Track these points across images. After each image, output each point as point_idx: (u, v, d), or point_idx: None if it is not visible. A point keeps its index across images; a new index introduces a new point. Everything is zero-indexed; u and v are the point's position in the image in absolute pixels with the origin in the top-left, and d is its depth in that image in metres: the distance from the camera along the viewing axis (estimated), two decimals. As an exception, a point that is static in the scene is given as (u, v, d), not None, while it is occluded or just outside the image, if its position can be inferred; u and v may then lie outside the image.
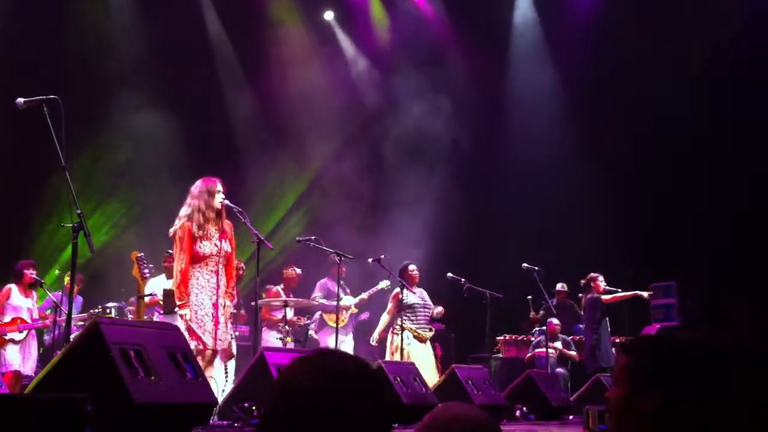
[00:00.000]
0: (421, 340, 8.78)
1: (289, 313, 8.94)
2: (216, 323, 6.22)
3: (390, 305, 8.94)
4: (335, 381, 1.43)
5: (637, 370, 1.48)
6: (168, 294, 8.14)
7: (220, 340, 6.24)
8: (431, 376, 8.23)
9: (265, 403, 1.48)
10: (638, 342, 1.57)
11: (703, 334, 1.48)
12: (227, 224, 6.43)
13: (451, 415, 1.57)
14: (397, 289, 8.73)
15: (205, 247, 6.20)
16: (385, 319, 9.00)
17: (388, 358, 8.60)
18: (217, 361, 7.42)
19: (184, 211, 6.31)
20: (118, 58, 11.59)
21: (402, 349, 8.53)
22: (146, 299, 6.93)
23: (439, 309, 9.28)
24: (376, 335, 9.13)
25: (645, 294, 10.22)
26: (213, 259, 6.24)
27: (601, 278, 10.15)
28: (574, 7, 13.21)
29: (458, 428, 1.54)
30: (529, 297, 11.12)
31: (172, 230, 6.31)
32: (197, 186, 6.38)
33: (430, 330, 8.95)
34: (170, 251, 8.53)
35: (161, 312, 8.25)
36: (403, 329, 8.58)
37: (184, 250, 6.16)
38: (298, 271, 9.83)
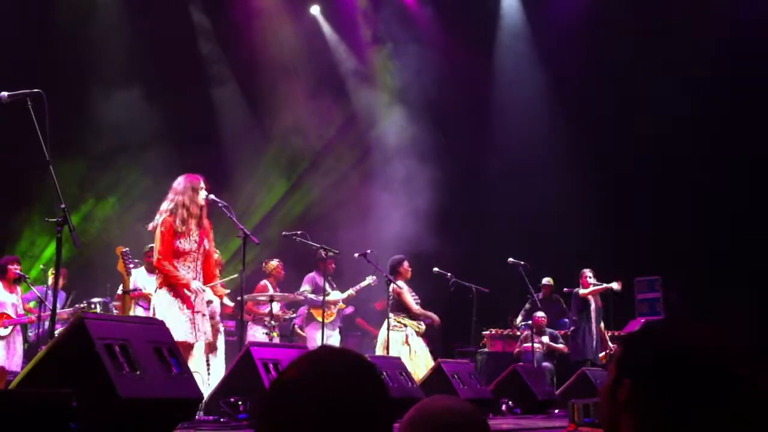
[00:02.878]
0: (420, 334, 8.82)
1: (276, 308, 8.93)
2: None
3: (410, 300, 8.84)
4: (339, 376, 1.42)
5: (620, 360, 1.52)
6: None
7: (201, 332, 6.25)
8: (426, 370, 8.27)
9: (261, 405, 1.43)
10: (630, 336, 1.61)
11: (688, 328, 1.49)
12: (206, 221, 6.45)
13: (436, 408, 1.57)
14: (398, 285, 8.70)
15: (185, 243, 6.21)
16: (420, 312, 8.92)
17: (379, 352, 8.60)
18: (200, 354, 7.44)
19: (166, 205, 6.28)
20: (100, 46, 11.47)
21: (408, 344, 8.59)
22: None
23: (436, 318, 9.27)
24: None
25: (614, 285, 10.35)
26: (192, 255, 6.26)
27: (588, 272, 10.35)
28: (562, 5, 13.21)
29: (443, 421, 1.54)
30: (518, 319, 11.26)
31: (152, 224, 6.28)
32: (180, 182, 6.36)
33: (424, 326, 8.98)
34: (152, 246, 8.50)
35: (147, 307, 8.22)
36: (405, 325, 8.64)
37: (166, 245, 6.14)
38: (275, 262, 9.76)
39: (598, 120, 12.56)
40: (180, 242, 6.18)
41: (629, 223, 12.27)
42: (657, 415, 1.40)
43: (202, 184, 6.38)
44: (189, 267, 6.25)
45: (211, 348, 8.45)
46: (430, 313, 8.92)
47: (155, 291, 6.32)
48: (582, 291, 10.35)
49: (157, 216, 6.26)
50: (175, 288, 6.15)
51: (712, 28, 11.53)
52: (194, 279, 6.24)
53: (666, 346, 1.44)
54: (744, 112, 11.54)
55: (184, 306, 6.14)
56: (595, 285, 10.35)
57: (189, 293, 6.15)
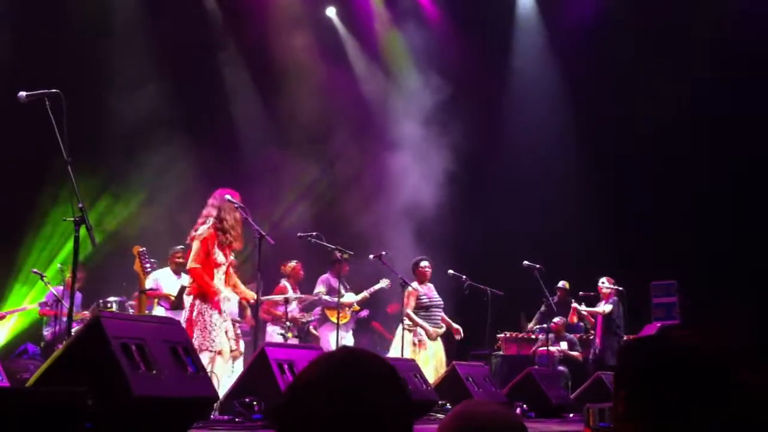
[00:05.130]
0: (432, 337, 8.79)
1: (294, 308, 8.98)
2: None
3: (411, 302, 8.88)
4: (358, 377, 1.42)
5: (616, 373, 1.56)
6: (184, 290, 8.18)
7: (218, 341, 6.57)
8: (438, 373, 8.26)
9: (280, 405, 1.43)
10: (623, 347, 1.65)
11: (689, 338, 1.51)
12: None
13: (481, 413, 1.55)
14: (412, 287, 8.74)
15: (222, 257, 6.59)
16: (410, 315, 8.91)
17: (393, 353, 8.61)
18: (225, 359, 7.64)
19: (212, 220, 6.48)
20: (113, 42, 11.48)
21: (416, 345, 8.59)
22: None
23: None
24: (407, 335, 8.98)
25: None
26: (223, 266, 6.65)
27: (601, 281, 10.42)
28: (575, 10, 13.20)
29: (485, 426, 1.52)
30: (531, 323, 11.31)
31: (203, 233, 6.48)
32: (225, 198, 6.62)
33: (442, 328, 8.96)
34: (181, 247, 8.54)
35: (168, 307, 8.26)
36: (416, 325, 8.65)
37: (203, 254, 6.47)
38: (294, 263, 9.83)
39: (611, 125, 12.53)
40: (218, 256, 6.54)
41: (631, 225, 12.25)
42: (654, 421, 1.41)
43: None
44: (221, 278, 6.62)
45: (238, 352, 8.54)
46: (416, 319, 8.86)
47: (186, 295, 6.56)
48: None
49: (201, 227, 6.53)
50: (207, 296, 6.43)
51: (713, 28, 11.49)
52: (223, 286, 6.65)
53: (663, 354, 1.46)
54: (744, 112, 11.51)
55: (216, 313, 6.46)
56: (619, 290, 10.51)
57: (219, 300, 6.53)
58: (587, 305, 10.74)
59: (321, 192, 12.95)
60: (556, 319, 10.66)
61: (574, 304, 10.43)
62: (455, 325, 9.22)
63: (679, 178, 12.00)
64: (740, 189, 11.57)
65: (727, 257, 11.28)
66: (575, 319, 10.78)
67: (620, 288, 10.57)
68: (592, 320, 10.75)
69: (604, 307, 10.36)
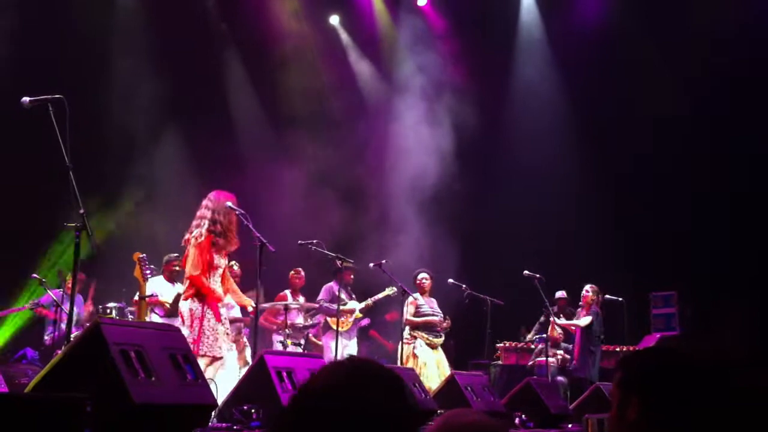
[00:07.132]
0: (433, 347, 8.81)
1: (294, 315, 9.00)
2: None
3: (411, 310, 8.91)
4: (363, 386, 1.42)
5: (623, 381, 1.55)
6: (180, 297, 8.18)
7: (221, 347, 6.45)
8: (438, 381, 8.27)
9: (285, 412, 1.44)
10: (627, 356, 1.66)
11: (690, 345, 1.52)
12: None
13: (464, 422, 1.56)
14: (413, 297, 8.80)
15: (219, 260, 6.47)
16: (410, 320, 8.97)
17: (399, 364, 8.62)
18: (235, 365, 7.60)
19: (208, 223, 6.37)
20: (112, 45, 11.49)
21: (416, 356, 8.61)
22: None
23: (447, 323, 9.33)
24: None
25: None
26: (219, 270, 6.50)
27: (585, 288, 10.36)
28: (577, 13, 13.25)
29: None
30: (530, 334, 11.32)
31: (198, 237, 6.35)
32: (218, 200, 6.49)
33: (441, 337, 8.99)
34: (176, 255, 8.54)
35: (162, 314, 8.26)
36: (415, 337, 8.67)
37: (203, 259, 6.31)
38: (292, 272, 9.87)
39: (612, 128, 12.56)
40: (215, 258, 6.39)
41: (631, 226, 12.25)
42: (668, 424, 1.41)
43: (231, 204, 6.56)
44: (217, 281, 6.45)
45: (243, 361, 8.53)
46: (428, 318, 8.92)
47: (182, 301, 6.43)
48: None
49: (195, 229, 6.36)
50: (206, 300, 6.30)
51: (713, 27, 11.53)
52: (220, 290, 6.49)
53: (670, 360, 1.46)
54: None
55: (214, 319, 6.31)
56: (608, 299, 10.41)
57: (220, 306, 6.40)
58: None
59: (320, 196, 12.96)
60: (556, 329, 10.65)
61: (552, 318, 10.30)
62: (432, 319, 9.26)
63: (679, 178, 12.01)
64: (740, 189, 11.58)
65: (728, 259, 11.30)
66: (555, 333, 10.67)
67: (620, 298, 10.53)
68: (573, 330, 10.75)
69: (582, 320, 10.26)
